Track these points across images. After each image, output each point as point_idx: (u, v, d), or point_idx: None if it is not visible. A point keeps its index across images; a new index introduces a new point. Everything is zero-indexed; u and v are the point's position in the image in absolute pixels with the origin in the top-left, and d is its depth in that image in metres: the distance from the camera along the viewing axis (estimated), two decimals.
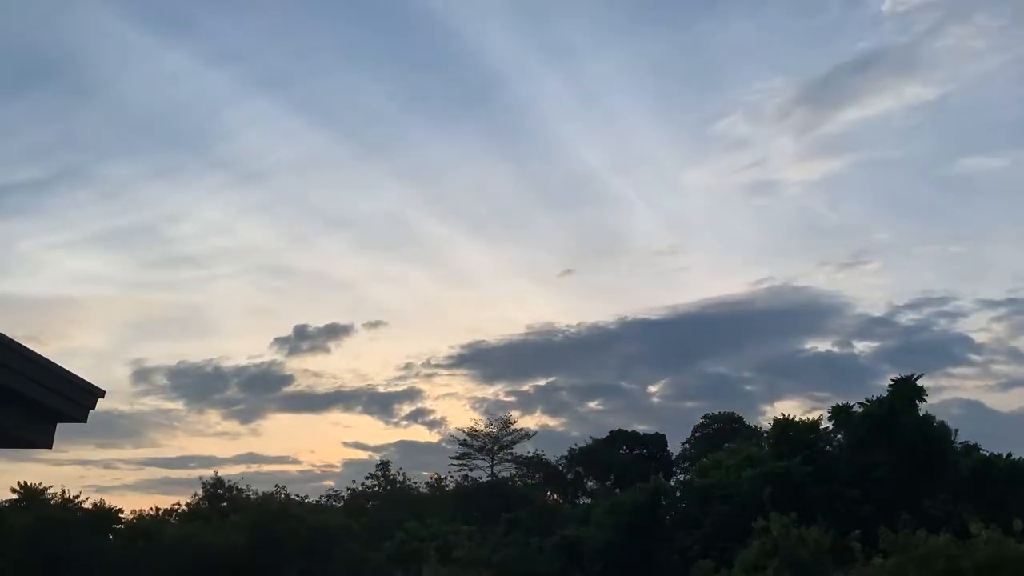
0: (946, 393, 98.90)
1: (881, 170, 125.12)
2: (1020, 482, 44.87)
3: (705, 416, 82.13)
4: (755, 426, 75.49)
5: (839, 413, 47.73)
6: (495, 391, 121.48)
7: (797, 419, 48.94)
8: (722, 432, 75.28)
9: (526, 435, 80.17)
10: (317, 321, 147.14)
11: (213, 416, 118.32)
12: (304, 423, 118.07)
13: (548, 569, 47.53)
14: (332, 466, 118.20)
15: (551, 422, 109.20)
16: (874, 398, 46.46)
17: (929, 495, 43.53)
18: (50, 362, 6.30)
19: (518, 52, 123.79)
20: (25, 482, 53.76)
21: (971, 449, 49.45)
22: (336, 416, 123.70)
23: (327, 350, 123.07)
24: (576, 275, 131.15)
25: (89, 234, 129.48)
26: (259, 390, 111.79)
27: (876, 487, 43.56)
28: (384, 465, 77.70)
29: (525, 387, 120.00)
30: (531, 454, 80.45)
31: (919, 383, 46.09)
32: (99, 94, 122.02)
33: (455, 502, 70.58)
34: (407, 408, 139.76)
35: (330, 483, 78.45)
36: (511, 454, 79.77)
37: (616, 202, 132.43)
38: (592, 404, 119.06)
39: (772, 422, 50.51)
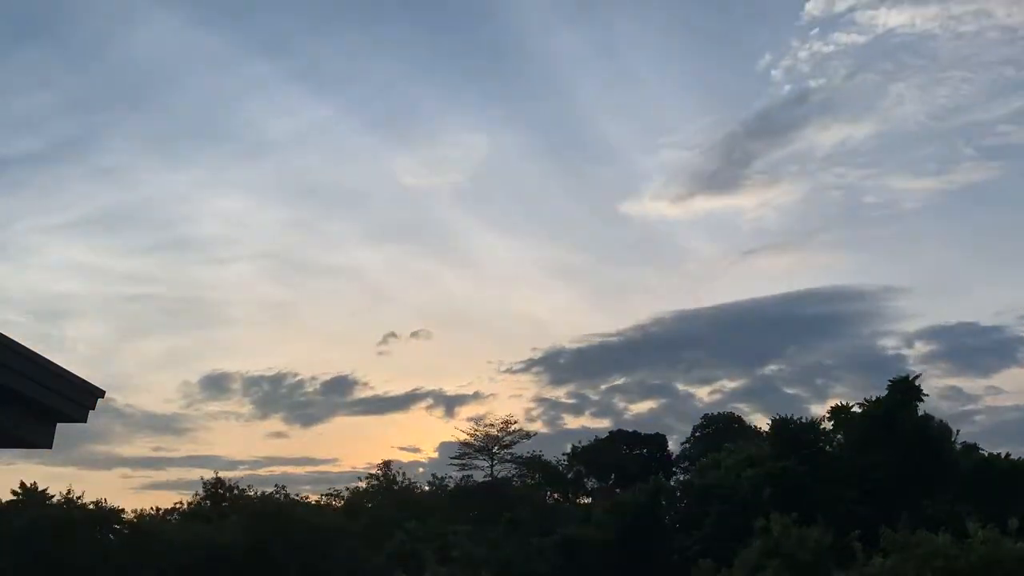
0: (1001, 397, 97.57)
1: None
2: (1020, 482, 44.87)
3: (705, 416, 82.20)
4: (754, 426, 75.60)
5: (838, 413, 47.73)
6: (559, 393, 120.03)
7: (797, 419, 48.94)
8: (722, 432, 75.23)
9: (526, 435, 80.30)
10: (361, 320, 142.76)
11: (275, 421, 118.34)
12: (366, 426, 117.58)
13: (548, 569, 47.47)
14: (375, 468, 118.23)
15: (593, 424, 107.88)
16: (873, 398, 46.45)
17: (929, 495, 43.49)
18: (50, 362, 6.32)
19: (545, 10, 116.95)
20: (33, 483, 53.82)
21: (971, 449, 49.48)
22: (398, 418, 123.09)
23: (403, 353, 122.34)
24: (631, 275, 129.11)
25: (82, 216, 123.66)
26: (330, 395, 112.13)
27: (876, 487, 43.51)
28: (386, 464, 77.77)
29: (586, 389, 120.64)
30: (530, 454, 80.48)
31: (916, 383, 46.14)
32: (95, 61, 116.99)
33: (455, 502, 70.61)
34: (470, 410, 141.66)
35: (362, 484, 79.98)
36: (511, 454, 79.86)
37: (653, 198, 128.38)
38: (644, 406, 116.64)
39: (770, 422, 50.50)
